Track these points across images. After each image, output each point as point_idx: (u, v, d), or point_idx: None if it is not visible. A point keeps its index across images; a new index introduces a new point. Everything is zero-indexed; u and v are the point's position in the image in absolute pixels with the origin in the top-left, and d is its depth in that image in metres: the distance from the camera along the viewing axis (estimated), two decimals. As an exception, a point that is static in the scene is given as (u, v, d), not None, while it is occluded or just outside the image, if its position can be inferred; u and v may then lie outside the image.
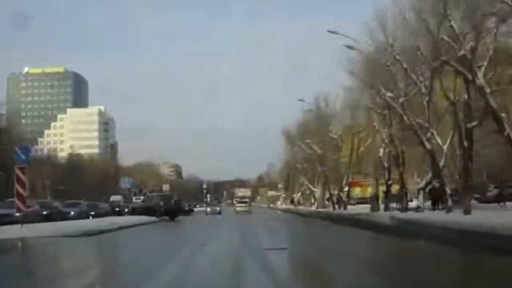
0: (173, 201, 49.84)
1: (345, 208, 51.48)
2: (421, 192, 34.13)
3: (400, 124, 35.53)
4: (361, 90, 37.99)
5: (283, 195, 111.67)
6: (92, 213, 46.37)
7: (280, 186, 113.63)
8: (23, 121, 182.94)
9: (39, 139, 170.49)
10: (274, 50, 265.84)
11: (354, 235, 25.55)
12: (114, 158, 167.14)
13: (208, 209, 62.24)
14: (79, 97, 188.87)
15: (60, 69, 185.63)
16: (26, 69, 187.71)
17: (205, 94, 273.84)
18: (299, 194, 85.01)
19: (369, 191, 78.89)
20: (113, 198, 69.22)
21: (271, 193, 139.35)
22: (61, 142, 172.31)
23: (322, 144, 56.73)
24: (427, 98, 30.21)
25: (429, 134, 30.00)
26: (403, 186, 36.27)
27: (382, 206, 39.03)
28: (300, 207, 77.91)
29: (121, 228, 31.45)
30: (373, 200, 40.38)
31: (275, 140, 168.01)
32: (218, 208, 61.58)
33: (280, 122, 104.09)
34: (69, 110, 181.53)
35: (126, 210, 54.59)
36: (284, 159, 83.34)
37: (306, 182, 67.01)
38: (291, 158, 75.19)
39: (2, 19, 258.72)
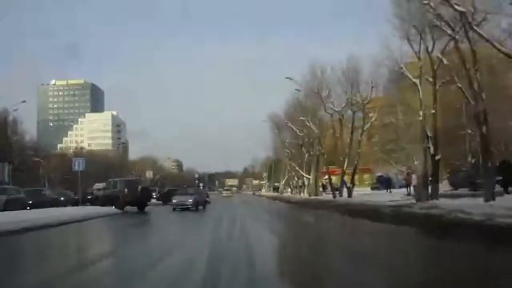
0: (140, 188, 29.06)
1: (349, 196, 31.38)
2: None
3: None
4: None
5: (267, 183, 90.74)
6: (30, 202, 25.96)
7: (264, 175, 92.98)
8: (51, 124, 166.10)
9: (64, 139, 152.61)
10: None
11: None
12: (125, 154, 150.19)
13: (175, 200, 28.14)
14: (96, 104, 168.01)
15: (81, 81, 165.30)
16: (53, 81, 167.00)
17: (204, 99, 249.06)
18: (284, 181, 64.19)
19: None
20: (97, 185, 47.76)
21: (255, 182, 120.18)
22: (81, 141, 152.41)
23: (319, 121, 36.46)
24: None
25: None
26: (487, 156, 16.31)
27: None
28: (286, 195, 57.44)
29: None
30: (420, 183, 20.22)
31: (261, 132, 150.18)
32: (190, 200, 27.74)
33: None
34: (87, 115, 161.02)
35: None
36: (271, 146, 60.31)
37: (297, 168, 46.19)
38: (279, 144, 53.78)
39: (35, 40, 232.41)
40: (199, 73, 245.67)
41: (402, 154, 55.20)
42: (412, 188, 31.95)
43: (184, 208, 27.04)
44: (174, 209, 27.22)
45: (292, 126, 42.18)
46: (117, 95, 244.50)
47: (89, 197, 32.85)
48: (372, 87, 31.82)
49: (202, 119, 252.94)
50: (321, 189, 43.30)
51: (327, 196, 38.80)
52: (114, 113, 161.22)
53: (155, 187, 73.42)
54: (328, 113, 34.18)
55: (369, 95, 31.90)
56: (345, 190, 33.22)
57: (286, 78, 39.17)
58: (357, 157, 32.60)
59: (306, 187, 47.30)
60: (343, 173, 33.32)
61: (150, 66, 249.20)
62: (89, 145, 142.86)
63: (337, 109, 32.63)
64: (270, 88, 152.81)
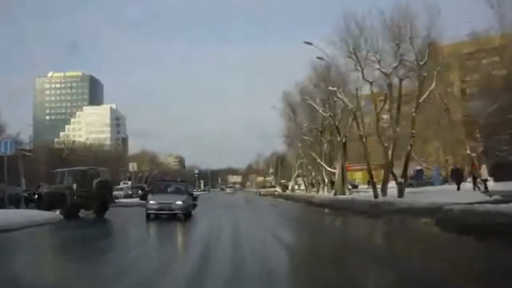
0: (96, 183, 18.95)
1: (401, 195, 21.54)
2: None
3: None
4: None
5: (273, 180, 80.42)
6: None
7: (271, 171, 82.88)
8: (47, 117, 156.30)
9: (61, 133, 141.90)
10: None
11: None
12: (125, 149, 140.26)
13: (152, 202, 17.05)
14: (95, 97, 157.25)
15: (78, 73, 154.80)
16: (50, 74, 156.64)
17: (207, 96, 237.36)
18: (295, 176, 54.14)
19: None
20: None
21: (259, 179, 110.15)
22: (79, 135, 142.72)
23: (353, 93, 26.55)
24: None
25: None
26: None
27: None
28: (299, 193, 47.60)
29: None
30: None
31: (266, 126, 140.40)
32: (179, 202, 17.09)
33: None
34: (85, 108, 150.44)
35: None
36: (278, 136, 48.05)
37: (318, 159, 35.89)
38: (292, 129, 42.12)
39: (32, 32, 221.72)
40: (202, 72, 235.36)
41: (432, 145, 45.44)
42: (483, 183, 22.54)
43: (166, 214, 16.88)
44: (149, 216, 16.77)
45: (314, 105, 32.24)
46: (118, 91, 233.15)
47: (36, 195, 22.86)
48: (430, 43, 22.34)
49: (204, 116, 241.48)
50: (350, 186, 33.51)
51: (357, 194, 29.03)
52: (113, 106, 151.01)
53: (145, 183, 63.77)
54: (367, 80, 24.30)
55: (426, 53, 22.33)
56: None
57: (305, 42, 29.55)
58: (410, 140, 22.72)
59: (326, 183, 37.57)
60: (391, 164, 23.43)
61: (152, 65, 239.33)
62: (86, 139, 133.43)
63: (384, 70, 22.67)
64: (273, 84, 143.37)
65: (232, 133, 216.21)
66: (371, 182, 24.97)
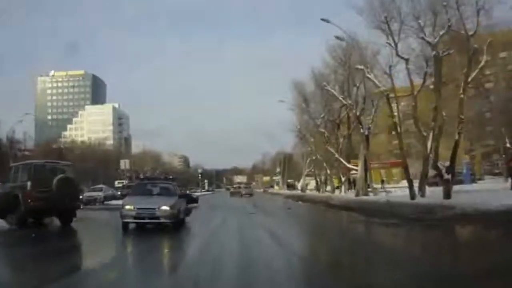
0: (57, 180, 14.18)
1: (447, 196, 16.91)
2: None
3: None
4: None
5: (280, 179, 75.69)
6: None
7: (278, 170, 78.18)
8: (49, 117, 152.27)
9: (63, 133, 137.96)
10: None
11: None
12: (129, 149, 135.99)
13: (129, 207, 12.37)
14: (97, 96, 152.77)
15: (81, 72, 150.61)
16: (52, 73, 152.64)
17: (211, 96, 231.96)
18: (305, 174, 49.34)
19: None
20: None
21: (266, 178, 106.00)
22: (82, 135, 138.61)
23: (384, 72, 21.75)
24: None
25: None
26: None
27: None
28: (309, 193, 42.87)
29: None
30: None
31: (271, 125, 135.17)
32: (165, 207, 12.48)
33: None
34: (87, 107, 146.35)
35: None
36: (294, 127, 40.59)
37: (337, 155, 30.75)
38: (305, 123, 37.00)
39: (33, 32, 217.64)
40: (205, 70, 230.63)
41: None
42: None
43: (148, 224, 12.79)
44: (126, 226, 12.52)
45: (333, 91, 27.63)
46: (121, 90, 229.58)
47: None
48: (479, 10, 17.76)
49: (209, 115, 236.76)
50: (376, 186, 28.87)
51: (386, 195, 24.35)
52: (116, 105, 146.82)
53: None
54: (402, 57, 19.69)
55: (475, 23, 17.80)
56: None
57: (322, 20, 25.05)
58: (459, 127, 18.09)
59: (343, 182, 32.98)
60: (436, 157, 18.77)
61: (156, 63, 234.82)
62: (89, 139, 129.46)
63: (429, 39, 18.04)
64: (279, 81, 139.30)
65: (237, 133, 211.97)
66: (407, 179, 20.29)
